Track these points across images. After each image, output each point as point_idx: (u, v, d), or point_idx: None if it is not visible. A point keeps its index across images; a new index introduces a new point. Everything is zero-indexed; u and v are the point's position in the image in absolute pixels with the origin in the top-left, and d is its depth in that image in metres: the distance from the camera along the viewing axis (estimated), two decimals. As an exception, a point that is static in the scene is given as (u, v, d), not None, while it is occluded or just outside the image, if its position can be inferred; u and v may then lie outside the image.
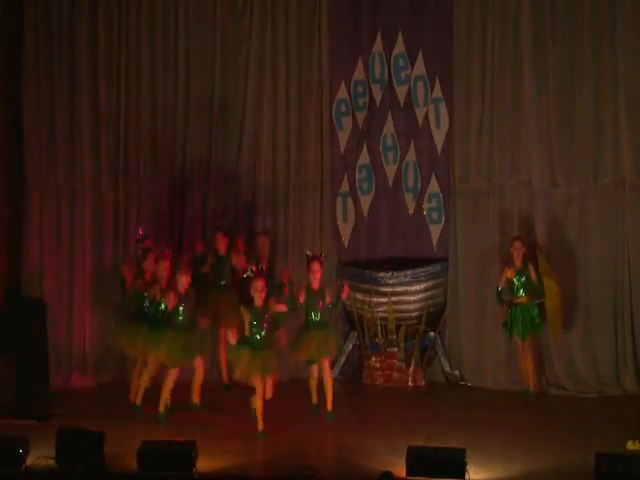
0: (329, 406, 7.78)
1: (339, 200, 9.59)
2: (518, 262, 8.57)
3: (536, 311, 8.51)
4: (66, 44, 9.37)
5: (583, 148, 8.93)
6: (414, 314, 9.40)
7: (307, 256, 7.98)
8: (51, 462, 6.51)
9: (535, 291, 8.53)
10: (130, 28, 9.51)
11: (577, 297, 8.83)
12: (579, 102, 8.91)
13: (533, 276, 8.53)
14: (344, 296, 8.25)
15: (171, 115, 9.59)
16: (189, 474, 6.36)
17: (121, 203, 9.56)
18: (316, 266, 7.87)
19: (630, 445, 6.90)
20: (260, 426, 7.36)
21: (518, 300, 8.54)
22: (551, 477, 6.39)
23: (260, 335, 7.41)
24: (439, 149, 9.40)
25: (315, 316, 7.82)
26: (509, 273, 8.59)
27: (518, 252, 8.56)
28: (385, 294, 9.33)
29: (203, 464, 6.47)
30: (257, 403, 7.44)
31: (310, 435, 6.97)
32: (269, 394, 7.70)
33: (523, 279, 8.54)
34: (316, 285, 7.87)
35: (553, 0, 8.93)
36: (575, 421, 7.97)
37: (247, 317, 7.45)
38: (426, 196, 9.46)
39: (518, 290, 8.54)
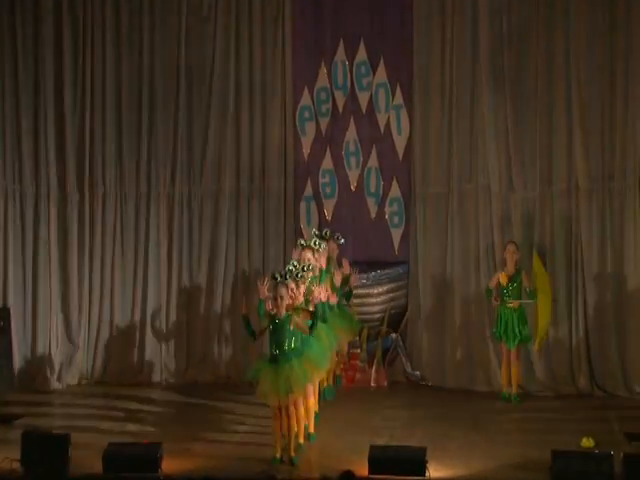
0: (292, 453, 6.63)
1: (303, 204, 9.61)
2: (511, 267, 8.51)
3: (523, 323, 8.46)
4: (30, 46, 9.29)
5: (538, 155, 9.06)
6: (376, 316, 9.46)
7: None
8: (16, 465, 6.43)
9: (526, 296, 8.50)
10: (95, 30, 9.45)
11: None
12: (534, 109, 9.04)
13: (526, 283, 8.49)
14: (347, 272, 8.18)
15: (136, 118, 9.54)
16: (154, 476, 6.33)
17: (86, 206, 9.50)
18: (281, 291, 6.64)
19: (584, 442, 6.99)
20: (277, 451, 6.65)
21: (509, 305, 8.52)
22: (509, 473, 6.45)
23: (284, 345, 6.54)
24: (400, 155, 9.47)
25: (277, 348, 6.59)
26: (502, 279, 8.52)
27: (511, 256, 8.51)
28: (348, 296, 9.36)
29: (168, 466, 6.44)
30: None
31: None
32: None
33: (515, 285, 8.50)
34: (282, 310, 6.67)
35: (509, 10, 9.05)
36: (532, 419, 8.07)
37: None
38: (388, 200, 9.53)
39: (509, 297, 8.50)
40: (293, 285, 6.76)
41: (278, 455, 6.66)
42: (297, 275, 6.80)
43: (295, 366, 6.61)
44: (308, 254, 7.68)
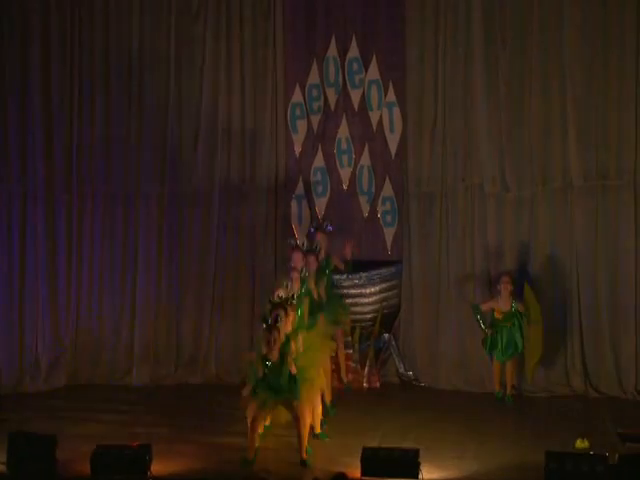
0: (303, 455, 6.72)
1: (294, 203, 9.60)
2: (505, 301, 8.48)
3: (520, 334, 8.48)
4: (17, 44, 9.24)
5: (532, 153, 9.07)
6: (369, 316, 9.45)
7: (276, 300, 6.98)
8: (1, 467, 6.40)
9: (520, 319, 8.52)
10: (83, 29, 9.42)
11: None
12: (528, 108, 9.04)
13: (520, 309, 8.49)
14: (348, 255, 8.20)
15: (125, 116, 9.50)
16: (143, 478, 6.31)
17: (74, 206, 9.45)
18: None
19: (578, 443, 7.01)
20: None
21: (503, 323, 8.51)
22: (502, 475, 6.46)
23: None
24: (393, 153, 9.47)
25: (276, 382, 6.69)
26: (497, 313, 8.52)
27: (506, 287, 8.48)
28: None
29: (157, 468, 6.42)
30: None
31: (264, 438, 6.97)
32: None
33: (508, 317, 8.50)
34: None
35: (503, 7, 9.06)
36: (525, 420, 8.09)
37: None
38: (380, 199, 9.52)
39: (502, 330, 8.50)
40: (282, 313, 6.83)
41: (251, 457, 6.67)
42: (287, 303, 6.90)
43: (294, 390, 6.69)
44: (298, 255, 7.68)
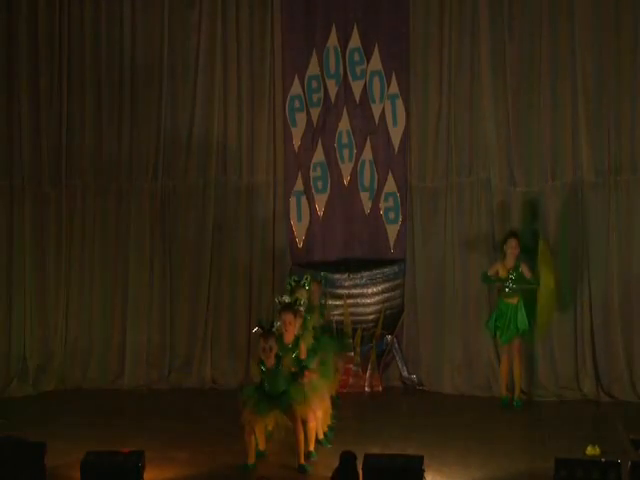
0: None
1: (293, 199, 9.60)
2: (510, 261, 8.53)
3: (523, 312, 8.49)
4: (4, 32, 9.25)
5: (542, 147, 9.06)
6: (370, 317, 9.46)
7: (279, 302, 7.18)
8: (-12, 475, 6.41)
9: (526, 290, 8.51)
10: (72, 19, 9.42)
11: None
12: (537, 100, 9.04)
13: (527, 274, 8.50)
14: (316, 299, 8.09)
15: (117, 111, 9.51)
16: (136, 486, 6.32)
17: (64, 202, 9.46)
18: (288, 317, 7.01)
19: (590, 450, 7.02)
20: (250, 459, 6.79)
21: (508, 300, 8.56)
22: (510, 483, 6.50)
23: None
24: (396, 147, 9.47)
25: (273, 387, 6.77)
26: (501, 271, 8.57)
27: (512, 251, 8.51)
28: (341, 297, 9.36)
29: (150, 475, 6.42)
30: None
31: (267, 442, 7.00)
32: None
33: (515, 277, 8.52)
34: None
35: (511, -4, 9.08)
36: (534, 426, 8.09)
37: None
38: (383, 195, 9.52)
39: (510, 289, 8.54)
40: (292, 316, 6.99)
41: (251, 462, 6.75)
42: (295, 304, 7.08)
43: (292, 394, 6.76)
44: (302, 293, 7.69)
